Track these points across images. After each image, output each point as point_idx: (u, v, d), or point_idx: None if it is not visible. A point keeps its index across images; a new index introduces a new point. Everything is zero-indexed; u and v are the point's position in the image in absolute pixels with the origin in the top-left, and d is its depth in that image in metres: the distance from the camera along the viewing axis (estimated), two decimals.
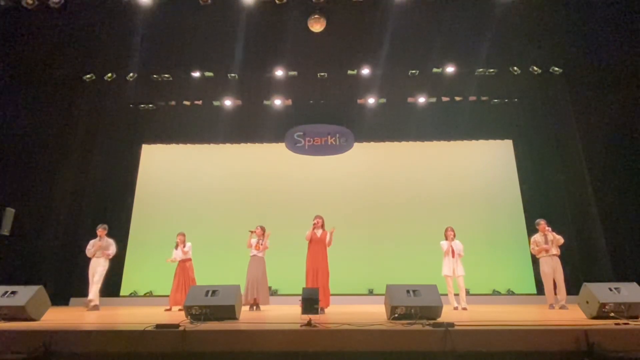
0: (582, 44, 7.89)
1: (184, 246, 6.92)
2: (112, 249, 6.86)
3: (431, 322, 3.16)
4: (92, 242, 6.81)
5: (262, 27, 7.57)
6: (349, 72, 8.91)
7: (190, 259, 6.99)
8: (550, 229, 6.42)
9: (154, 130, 10.49)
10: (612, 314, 3.64)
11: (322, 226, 5.99)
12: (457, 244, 6.54)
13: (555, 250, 6.33)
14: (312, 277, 5.65)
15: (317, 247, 5.84)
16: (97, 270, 6.65)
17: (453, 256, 6.41)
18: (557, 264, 6.28)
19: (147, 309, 6.83)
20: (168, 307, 6.62)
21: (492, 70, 8.81)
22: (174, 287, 6.74)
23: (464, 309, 6.14)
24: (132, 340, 2.84)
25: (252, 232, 6.78)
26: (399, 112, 10.22)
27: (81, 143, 8.93)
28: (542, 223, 6.48)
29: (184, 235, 7.03)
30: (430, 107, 10.12)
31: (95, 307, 6.43)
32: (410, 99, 10.01)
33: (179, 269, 6.87)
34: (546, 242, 6.36)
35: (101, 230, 6.88)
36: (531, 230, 9.43)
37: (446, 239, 6.60)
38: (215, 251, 9.13)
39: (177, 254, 6.91)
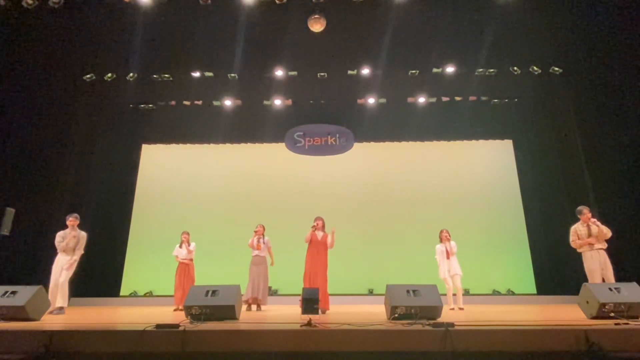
0: (582, 44, 7.89)
1: (189, 245, 6.92)
2: (83, 244, 5.73)
3: (431, 322, 3.16)
4: (61, 233, 5.72)
5: (262, 27, 7.57)
6: (349, 72, 8.91)
7: (192, 259, 6.99)
8: (595, 219, 5.46)
9: (154, 130, 10.49)
10: (612, 314, 3.64)
11: (323, 228, 5.94)
12: (452, 244, 6.48)
13: (601, 244, 5.35)
14: (309, 280, 5.61)
15: (317, 249, 5.79)
16: (66, 267, 5.58)
17: (448, 257, 6.35)
18: (606, 259, 5.29)
19: (147, 309, 6.83)
20: (176, 307, 6.58)
21: (492, 70, 8.80)
22: (177, 287, 6.72)
23: (461, 309, 6.09)
24: (132, 340, 2.84)
25: (256, 231, 6.74)
26: (399, 112, 10.22)
27: (81, 143, 8.93)
28: (585, 212, 5.48)
29: (188, 234, 7.02)
30: (430, 107, 10.11)
31: (60, 310, 5.34)
32: (410, 99, 10.01)
33: (181, 268, 6.86)
34: (589, 234, 5.38)
35: (73, 220, 5.76)
36: (531, 229, 9.47)
37: (441, 240, 6.53)
38: (215, 251, 9.14)
39: (181, 253, 6.89)
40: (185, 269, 6.82)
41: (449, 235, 6.50)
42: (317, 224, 5.88)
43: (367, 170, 10.19)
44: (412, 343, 2.84)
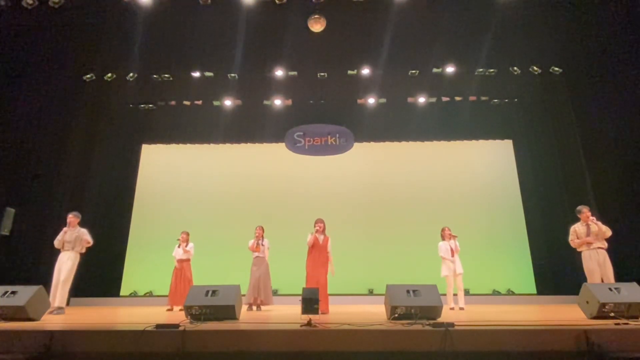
0: (582, 44, 7.89)
1: (187, 245, 6.90)
2: (87, 239, 5.81)
3: (431, 322, 3.16)
4: (62, 231, 5.81)
5: (262, 27, 7.57)
6: (349, 72, 8.90)
7: (189, 259, 6.97)
8: (594, 218, 5.44)
9: (154, 130, 10.49)
10: (612, 314, 3.65)
11: (323, 231, 5.89)
12: (456, 242, 6.47)
13: (600, 243, 5.31)
14: (311, 284, 5.56)
15: (319, 253, 5.76)
16: (65, 266, 5.56)
17: (452, 255, 6.36)
18: (605, 258, 5.24)
19: (147, 309, 6.83)
20: (169, 307, 6.61)
21: (492, 70, 8.79)
22: (172, 287, 6.72)
23: (461, 308, 6.10)
24: (132, 340, 2.84)
25: (256, 236, 6.72)
26: (399, 112, 10.22)
27: (81, 143, 8.93)
28: (585, 211, 5.46)
29: (187, 234, 7.01)
30: (430, 107, 10.11)
31: (60, 310, 5.34)
32: (410, 99, 10.01)
33: (177, 268, 6.85)
34: (588, 233, 5.36)
35: (72, 217, 5.84)
36: (531, 229, 9.47)
37: (443, 238, 6.51)
38: (215, 251, 9.13)
39: (178, 253, 6.89)
40: (180, 269, 6.81)
41: (452, 233, 6.49)
42: (320, 227, 5.83)
43: (367, 170, 10.18)
44: (412, 343, 2.85)
